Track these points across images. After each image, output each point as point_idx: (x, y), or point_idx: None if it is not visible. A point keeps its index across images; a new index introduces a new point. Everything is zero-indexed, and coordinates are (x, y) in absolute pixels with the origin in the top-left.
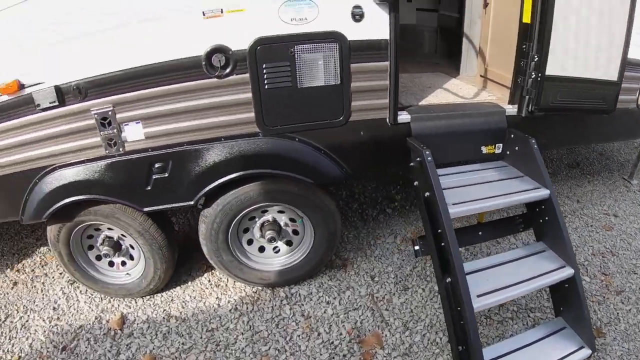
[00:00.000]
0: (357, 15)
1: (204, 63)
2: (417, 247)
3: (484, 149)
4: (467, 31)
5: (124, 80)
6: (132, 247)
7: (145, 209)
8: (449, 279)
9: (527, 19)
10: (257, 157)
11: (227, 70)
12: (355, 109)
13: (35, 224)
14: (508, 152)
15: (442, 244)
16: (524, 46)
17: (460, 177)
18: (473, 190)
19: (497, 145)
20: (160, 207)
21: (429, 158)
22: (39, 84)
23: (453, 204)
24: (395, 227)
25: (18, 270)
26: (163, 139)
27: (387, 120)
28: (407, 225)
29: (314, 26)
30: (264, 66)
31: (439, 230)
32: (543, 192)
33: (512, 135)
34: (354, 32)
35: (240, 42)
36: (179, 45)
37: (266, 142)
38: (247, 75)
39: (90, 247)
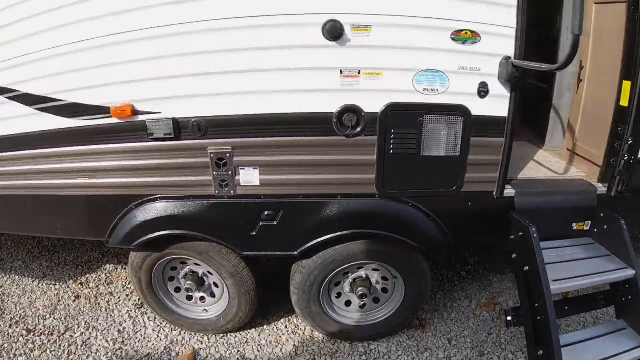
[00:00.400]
0: (483, 92)
1: (335, 121)
2: (509, 318)
3: (575, 226)
4: (555, 103)
5: (249, 124)
6: (216, 285)
7: (245, 253)
8: (541, 352)
9: (624, 102)
10: (371, 217)
11: (357, 131)
12: (467, 181)
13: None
14: (596, 230)
15: (538, 317)
16: (619, 128)
17: (553, 253)
18: (567, 267)
19: (586, 222)
20: (261, 253)
21: (535, 235)
22: (155, 113)
23: (553, 281)
24: (470, 291)
25: (81, 284)
26: (278, 188)
27: (494, 193)
28: (481, 290)
29: (443, 98)
30: (392, 131)
31: (536, 304)
32: (629, 273)
33: (602, 214)
34: (478, 108)
35: (372, 104)
36: (313, 99)
37: (382, 204)
38: (375, 137)
39: (172, 279)
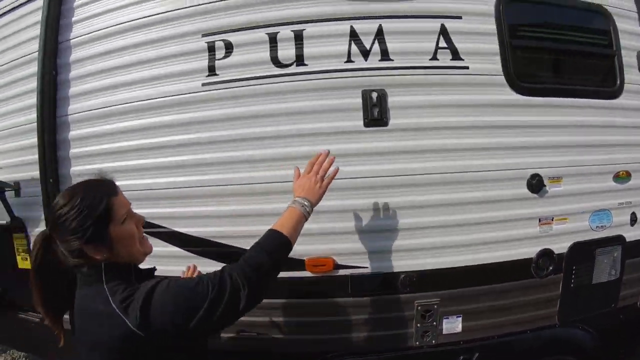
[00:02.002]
0: (633, 220)
1: (533, 265)
2: None
3: None
4: None
5: (456, 276)
6: None
7: None
8: None
9: None
10: (553, 345)
11: (549, 271)
12: (621, 297)
13: None
14: None
15: None
16: None
17: None
18: None
19: None
20: None
21: None
22: (361, 267)
23: None
24: None
25: None
26: (478, 333)
27: (638, 304)
28: None
29: (608, 232)
30: (573, 267)
31: None
32: None
33: None
34: (630, 234)
35: (560, 246)
36: (514, 247)
37: (561, 332)
38: (561, 275)
39: None
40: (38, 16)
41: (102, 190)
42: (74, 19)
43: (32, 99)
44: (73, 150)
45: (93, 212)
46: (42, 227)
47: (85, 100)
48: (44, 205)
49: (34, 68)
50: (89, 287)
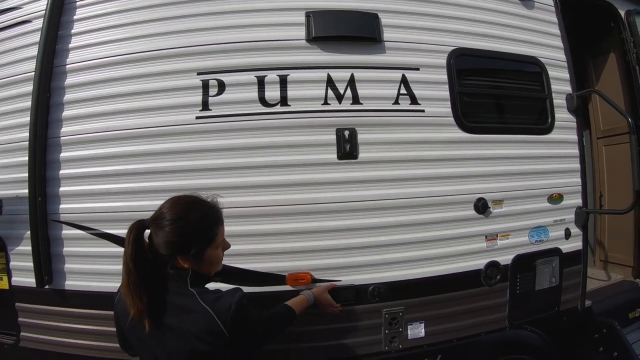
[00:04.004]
0: (568, 234)
1: (483, 275)
2: None
3: (630, 314)
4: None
5: (418, 286)
6: None
7: None
8: None
9: None
10: (504, 345)
11: (496, 280)
12: (562, 301)
13: None
14: None
15: None
16: None
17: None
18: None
19: (637, 309)
20: None
21: (618, 327)
22: (335, 281)
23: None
24: None
25: None
26: (439, 336)
27: (578, 306)
28: None
29: (546, 245)
30: (518, 276)
31: None
32: None
33: None
34: (565, 246)
35: (505, 258)
36: (466, 260)
37: (511, 334)
38: (507, 283)
39: None
40: (35, 37)
41: (216, 216)
42: (70, 45)
43: (22, 119)
44: (63, 171)
45: (202, 236)
46: (23, 245)
47: (78, 124)
48: (31, 222)
49: (27, 87)
50: (176, 284)
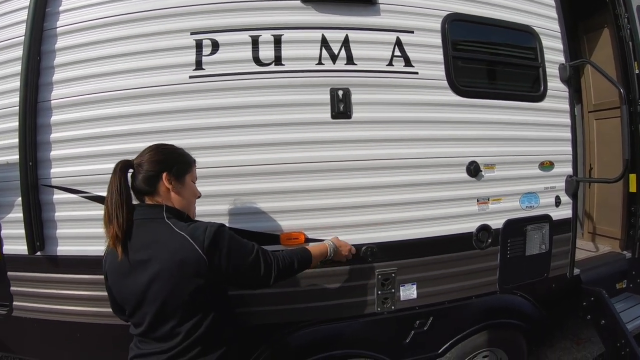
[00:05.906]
0: (558, 202)
1: (474, 237)
2: None
3: (617, 285)
4: None
5: (410, 247)
6: None
7: None
8: None
9: (633, 189)
10: (495, 310)
11: (487, 244)
12: (552, 268)
13: None
14: (631, 285)
15: (622, 352)
16: (632, 208)
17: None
18: (625, 314)
19: (623, 280)
20: (409, 359)
21: (606, 295)
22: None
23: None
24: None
25: None
26: (431, 298)
27: (567, 274)
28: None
29: (537, 211)
30: (508, 240)
31: (618, 344)
32: None
33: (634, 272)
34: (555, 214)
35: (496, 222)
36: (458, 223)
37: (501, 298)
38: (498, 247)
39: None
40: (24, 1)
41: (190, 156)
42: (60, 7)
43: (12, 84)
44: (54, 135)
45: (182, 160)
46: (14, 213)
47: (69, 87)
48: (22, 187)
49: (17, 52)
50: (153, 222)
